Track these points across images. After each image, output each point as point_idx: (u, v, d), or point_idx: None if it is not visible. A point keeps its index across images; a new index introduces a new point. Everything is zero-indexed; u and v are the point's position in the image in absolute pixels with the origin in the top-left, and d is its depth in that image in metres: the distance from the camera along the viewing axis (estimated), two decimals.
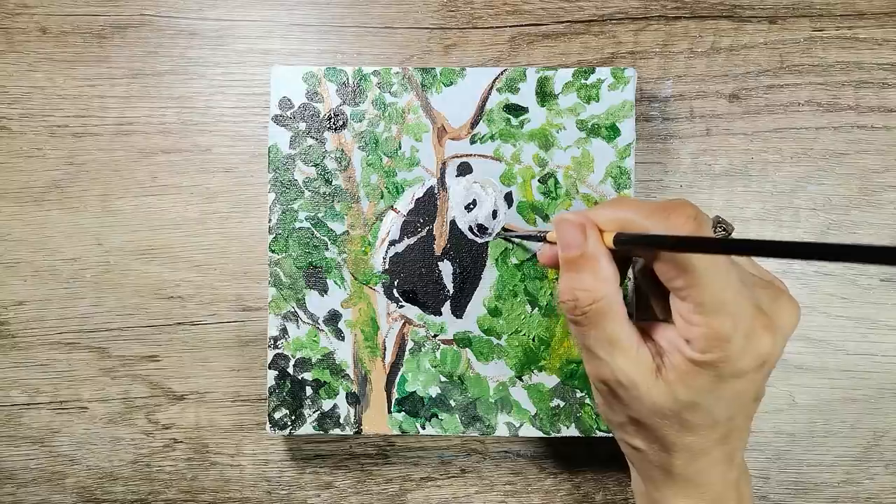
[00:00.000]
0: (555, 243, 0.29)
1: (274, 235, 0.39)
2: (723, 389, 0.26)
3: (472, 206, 0.39)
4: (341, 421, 0.39)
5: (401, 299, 0.39)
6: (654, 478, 0.30)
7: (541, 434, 0.39)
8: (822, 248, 0.18)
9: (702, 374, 0.26)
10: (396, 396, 0.39)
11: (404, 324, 0.39)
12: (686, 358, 0.26)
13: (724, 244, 0.22)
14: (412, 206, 0.39)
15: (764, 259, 0.32)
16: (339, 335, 0.39)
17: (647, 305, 0.31)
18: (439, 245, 0.39)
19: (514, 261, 0.39)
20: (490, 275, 0.39)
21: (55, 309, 0.42)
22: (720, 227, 0.31)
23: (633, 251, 0.28)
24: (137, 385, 0.42)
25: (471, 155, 0.39)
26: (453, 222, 0.39)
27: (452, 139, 0.39)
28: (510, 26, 0.42)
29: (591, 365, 0.29)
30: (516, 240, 0.39)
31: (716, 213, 0.30)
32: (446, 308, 0.39)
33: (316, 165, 0.39)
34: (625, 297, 0.38)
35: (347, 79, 0.39)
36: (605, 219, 0.28)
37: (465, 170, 0.39)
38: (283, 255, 0.39)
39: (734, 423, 0.28)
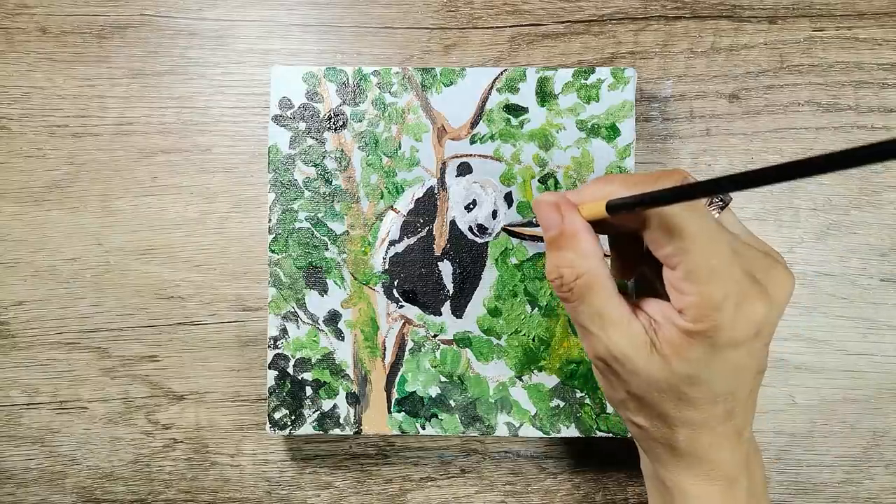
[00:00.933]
0: None
1: (274, 235, 0.39)
2: (719, 361, 0.26)
3: (472, 206, 0.39)
4: (341, 421, 0.39)
5: (401, 299, 0.39)
6: (660, 456, 0.29)
7: (541, 434, 0.39)
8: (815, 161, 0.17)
9: (696, 345, 0.26)
10: (396, 396, 0.39)
11: (404, 324, 0.39)
12: (680, 329, 0.26)
13: (716, 183, 0.21)
14: (412, 206, 0.39)
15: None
16: (339, 335, 0.39)
17: (653, 293, 0.31)
18: (439, 245, 0.39)
19: (514, 261, 0.39)
20: (490, 275, 0.39)
21: (55, 309, 0.42)
22: (717, 197, 0.30)
23: (624, 221, 0.28)
24: (137, 385, 0.42)
25: (471, 155, 0.39)
26: (453, 222, 0.39)
27: (452, 139, 0.39)
28: (510, 26, 0.42)
29: (586, 342, 0.29)
30: (518, 235, 0.39)
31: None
32: (446, 308, 0.39)
33: (316, 165, 0.39)
34: (627, 287, 0.38)
35: (347, 79, 0.39)
36: (591, 195, 0.28)
37: (465, 170, 0.39)
38: (283, 255, 0.39)
39: (737, 397, 0.27)
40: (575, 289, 0.28)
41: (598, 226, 0.28)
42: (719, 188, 0.21)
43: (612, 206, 0.26)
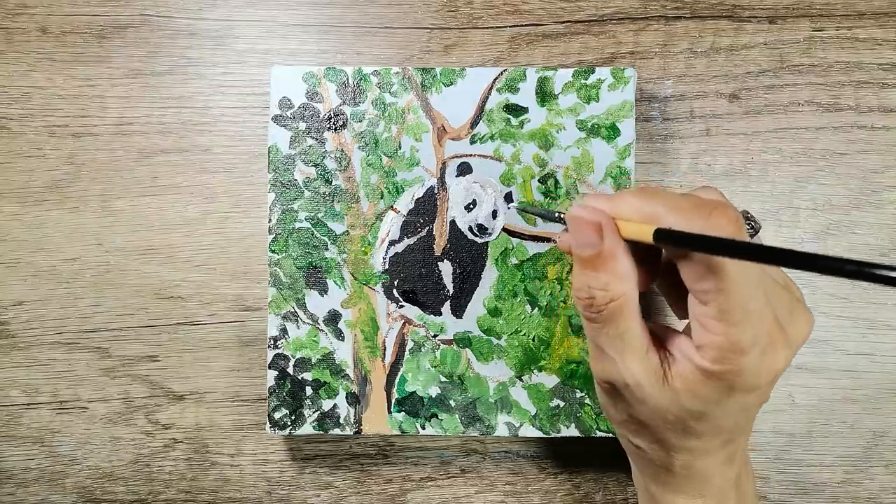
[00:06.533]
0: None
1: (274, 235, 0.39)
2: (731, 402, 0.25)
3: (472, 206, 0.39)
4: (341, 421, 0.39)
5: (401, 299, 0.39)
6: (654, 475, 0.30)
7: (541, 434, 0.39)
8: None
9: (711, 384, 0.25)
10: (396, 396, 0.39)
11: (404, 324, 0.39)
12: (696, 366, 0.25)
13: (784, 254, 0.20)
14: (412, 206, 0.39)
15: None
16: (339, 335, 0.39)
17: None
18: (439, 245, 0.39)
19: (514, 261, 0.39)
20: (490, 275, 0.39)
21: (55, 309, 0.42)
22: (748, 225, 0.29)
23: (665, 246, 0.27)
24: (137, 385, 0.42)
25: (471, 155, 0.39)
26: (453, 222, 0.39)
27: (452, 139, 0.39)
28: (510, 26, 0.42)
29: (598, 362, 0.28)
30: (518, 235, 0.39)
31: (744, 208, 0.28)
32: (446, 308, 0.39)
33: (316, 165, 0.39)
34: None
35: (347, 79, 0.39)
36: (630, 210, 0.26)
37: (465, 170, 0.39)
38: (283, 255, 0.39)
39: (738, 427, 0.27)
40: (605, 312, 0.26)
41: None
42: (790, 260, 0.20)
43: (661, 237, 0.24)
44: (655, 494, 0.30)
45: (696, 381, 0.25)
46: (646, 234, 0.25)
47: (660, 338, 0.27)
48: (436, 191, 0.39)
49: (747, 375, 0.24)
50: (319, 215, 0.39)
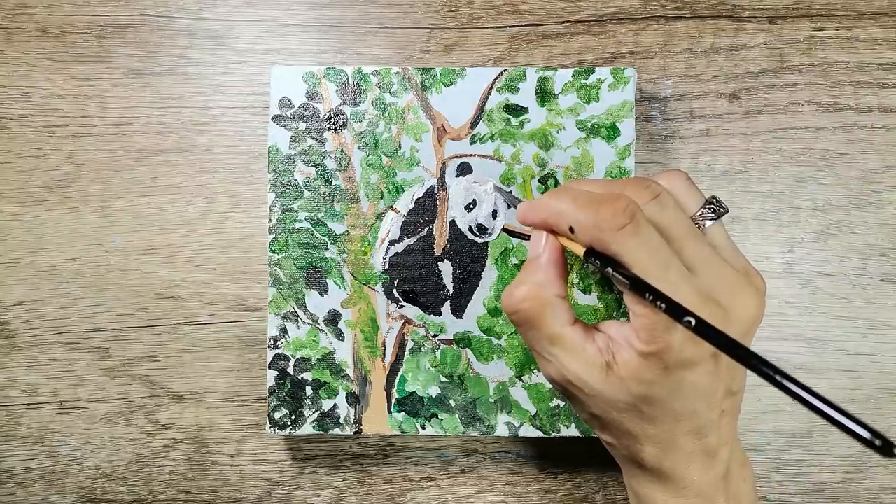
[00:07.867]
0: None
1: (274, 235, 0.39)
2: (674, 381, 0.26)
3: (471, 206, 0.39)
4: (341, 421, 0.39)
5: (401, 299, 0.39)
6: (632, 470, 0.30)
7: (541, 434, 0.39)
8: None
9: (650, 366, 0.26)
10: (396, 396, 0.39)
11: (404, 324, 0.39)
12: (636, 351, 0.26)
13: (674, 309, 0.23)
14: (412, 206, 0.39)
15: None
16: (339, 335, 0.39)
17: None
18: (439, 245, 0.39)
19: (514, 261, 0.39)
20: (490, 275, 0.39)
21: (55, 309, 0.42)
22: (709, 208, 0.29)
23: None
24: (137, 385, 0.42)
25: (471, 155, 0.39)
26: (453, 222, 0.39)
27: (452, 139, 0.39)
28: (510, 26, 0.42)
29: (542, 365, 0.29)
30: (518, 235, 0.39)
31: (712, 194, 0.29)
32: (446, 308, 0.39)
33: (316, 165, 0.39)
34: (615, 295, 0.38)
35: (347, 79, 0.39)
36: (546, 211, 0.28)
37: (465, 170, 0.39)
38: (283, 255, 0.39)
39: (703, 416, 0.27)
40: (520, 313, 0.28)
41: None
42: (676, 313, 0.23)
43: (588, 257, 0.27)
44: (637, 491, 0.30)
45: (637, 366, 0.26)
46: (579, 251, 0.27)
47: (604, 330, 0.28)
48: (436, 191, 0.39)
49: (676, 350, 0.25)
50: (319, 215, 0.39)
